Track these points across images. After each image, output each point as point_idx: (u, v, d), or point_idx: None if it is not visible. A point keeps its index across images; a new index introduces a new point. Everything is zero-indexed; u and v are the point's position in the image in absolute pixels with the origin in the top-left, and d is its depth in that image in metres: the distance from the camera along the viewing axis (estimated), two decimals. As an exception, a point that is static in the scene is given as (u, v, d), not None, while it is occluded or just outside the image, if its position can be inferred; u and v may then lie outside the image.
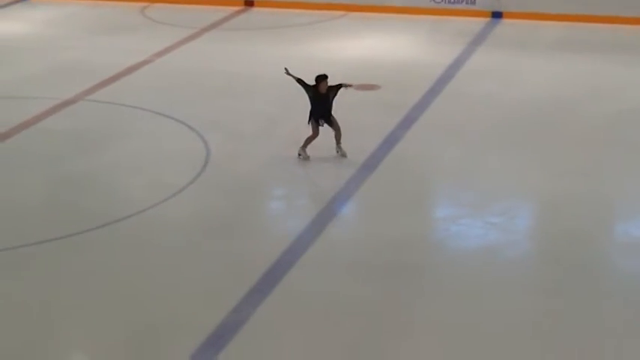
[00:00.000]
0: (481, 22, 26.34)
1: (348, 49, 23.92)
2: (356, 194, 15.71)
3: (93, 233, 14.42)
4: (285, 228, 14.66)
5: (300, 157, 17.04)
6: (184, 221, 14.94)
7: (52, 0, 29.41)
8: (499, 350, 11.58)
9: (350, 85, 17.40)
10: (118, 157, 17.36)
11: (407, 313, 12.40)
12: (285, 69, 17.18)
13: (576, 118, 19.16)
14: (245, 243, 14.17)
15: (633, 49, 24.12)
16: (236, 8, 28.13)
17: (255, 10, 28.14)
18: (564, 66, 22.65)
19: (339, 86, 17.15)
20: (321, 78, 16.82)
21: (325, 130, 17.16)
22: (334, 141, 17.05)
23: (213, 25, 26.40)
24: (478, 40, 24.77)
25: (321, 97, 16.82)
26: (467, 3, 26.98)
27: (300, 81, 16.94)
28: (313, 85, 16.84)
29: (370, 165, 16.76)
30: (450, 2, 27.07)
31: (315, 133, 17.00)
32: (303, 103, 18.32)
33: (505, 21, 26.47)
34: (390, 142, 17.81)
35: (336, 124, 17.08)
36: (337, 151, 17.13)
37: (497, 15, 26.74)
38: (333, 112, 17.01)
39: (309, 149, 17.04)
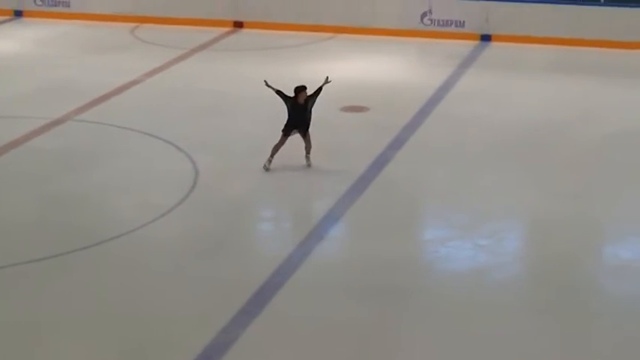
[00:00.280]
0: (470, 44, 26.37)
1: (336, 70, 23.82)
2: (345, 215, 15.64)
3: (81, 253, 14.31)
4: (274, 249, 14.56)
5: (265, 167, 17.28)
6: (173, 242, 14.83)
7: (43, 19, 29.36)
8: (489, 373, 11.51)
9: (328, 81, 17.63)
10: (106, 177, 17.25)
11: (395, 335, 12.31)
12: (265, 81, 17.43)
13: (566, 140, 19.15)
14: (234, 264, 14.07)
15: (622, 72, 24.17)
16: (225, 29, 28.11)
17: (244, 31, 28.11)
18: (553, 88, 22.67)
19: (319, 90, 17.43)
20: (300, 89, 17.17)
21: (317, 151, 17.13)
22: (322, 162, 16.99)
23: (203, 46, 26.37)
24: (467, 62, 24.79)
25: (299, 108, 17.16)
26: (456, 26, 27.02)
27: (279, 92, 17.24)
28: (292, 97, 17.15)
29: (359, 186, 16.70)
30: (439, 25, 27.10)
31: (281, 143, 17.28)
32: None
33: (494, 44, 26.51)
34: (379, 163, 17.76)
35: (309, 138, 17.34)
36: (306, 162, 17.48)
37: (486, 38, 26.78)
38: (310, 129, 17.29)
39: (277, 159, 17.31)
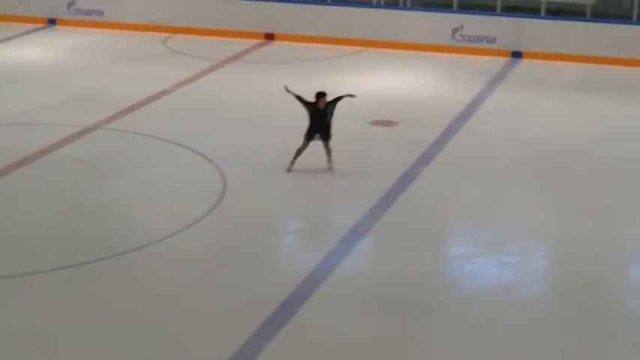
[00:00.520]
0: (501, 61, 26.33)
1: (366, 84, 23.92)
2: (371, 230, 15.65)
3: (107, 262, 14.39)
4: (300, 262, 14.59)
5: (289, 167, 17.75)
6: (199, 252, 14.90)
7: (77, 27, 29.56)
8: (511, 392, 11.50)
9: (352, 95, 17.98)
10: (134, 186, 17.36)
11: (418, 351, 12.31)
12: (285, 87, 17.94)
13: (595, 159, 19.07)
14: (259, 276, 14.11)
15: (652, 92, 24.08)
16: (256, 41, 28.21)
17: (275, 43, 28.22)
18: (583, 106, 22.59)
19: (339, 99, 17.74)
20: (320, 95, 17.61)
21: (345, 164, 17.16)
22: (349, 176, 17.04)
23: (234, 58, 26.48)
24: (497, 79, 24.74)
25: (319, 113, 17.60)
26: (487, 42, 26.99)
27: (299, 98, 17.74)
28: (313, 102, 17.61)
29: (386, 201, 16.71)
30: (470, 41, 27.09)
31: (304, 146, 17.73)
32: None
33: (525, 61, 26.44)
34: (406, 178, 17.76)
35: (329, 145, 17.72)
36: (328, 165, 17.87)
37: (517, 55, 26.74)
38: (334, 139, 17.64)
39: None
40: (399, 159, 18.67)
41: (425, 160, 18.73)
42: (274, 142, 19.46)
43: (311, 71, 25.14)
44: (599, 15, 26.79)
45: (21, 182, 17.48)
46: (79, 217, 16.06)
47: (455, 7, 27.54)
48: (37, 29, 29.54)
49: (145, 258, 14.60)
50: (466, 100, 22.67)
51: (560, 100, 23.14)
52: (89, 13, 29.83)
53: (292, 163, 17.81)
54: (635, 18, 26.34)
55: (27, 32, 29.09)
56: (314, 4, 28.45)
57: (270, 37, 28.51)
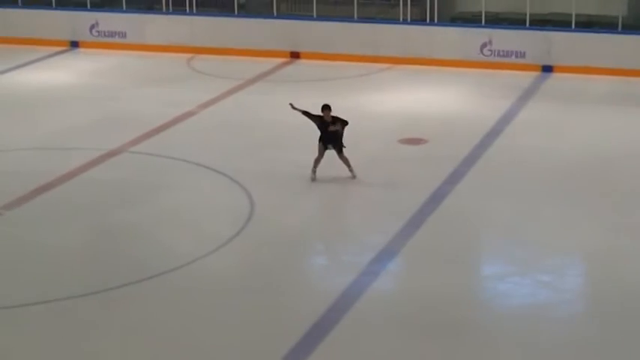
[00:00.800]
0: (531, 75, 26.30)
1: (394, 102, 23.96)
2: (402, 250, 15.65)
3: (136, 287, 14.47)
4: (330, 284, 14.60)
5: (312, 177, 18.30)
6: (228, 275, 14.96)
7: (99, 49, 29.79)
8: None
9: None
10: (160, 209, 17.45)
11: (453, 373, 12.31)
12: (290, 104, 18.67)
13: (628, 173, 19.01)
14: (290, 298, 14.15)
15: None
16: (282, 60, 28.31)
17: (301, 62, 28.31)
18: (615, 120, 22.52)
19: (345, 122, 18.39)
20: (324, 107, 18.30)
21: (374, 183, 17.16)
22: (379, 196, 17.03)
23: (259, 77, 26.59)
24: (528, 93, 24.71)
25: (327, 125, 18.28)
26: (516, 56, 26.98)
27: (306, 113, 18.46)
28: (319, 116, 18.33)
29: (417, 220, 16.71)
30: (499, 55, 27.08)
31: (321, 155, 18.38)
32: (350, 157, 18.46)
33: (556, 75, 26.40)
34: (437, 197, 17.76)
35: (344, 156, 18.36)
36: (350, 173, 18.44)
37: (547, 69, 26.70)
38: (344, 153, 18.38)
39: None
40: (429, 177, 18.67)
41: (456, 177, 18.72)
42: (301, 162, 19.46)
43: (338, 90, 25.19)
44: (631, 27, 26.72)
45: (47, 206, 17.62)
46: (106, 241, 16.17)
47: (483, 22, 27.53)
48: (60, 52, 29.79)
49: (174, 281, 14.67)
50: (496, 115, 22.64)
51: (593, 114, 23.08)
52: (112, 34, 30.06)
53: (314, 172, 18.38)
54: (667, 30, 26.28)
55: (50, 55, 29.34)
56: (340, 21, 28.53)
57: (295, 55, 28.61)
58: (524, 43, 26.93)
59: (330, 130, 18.34)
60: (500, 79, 26.12)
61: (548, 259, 15.34)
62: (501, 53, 27.09)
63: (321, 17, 28.72)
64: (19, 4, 30.97)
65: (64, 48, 30.14)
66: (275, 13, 29.08)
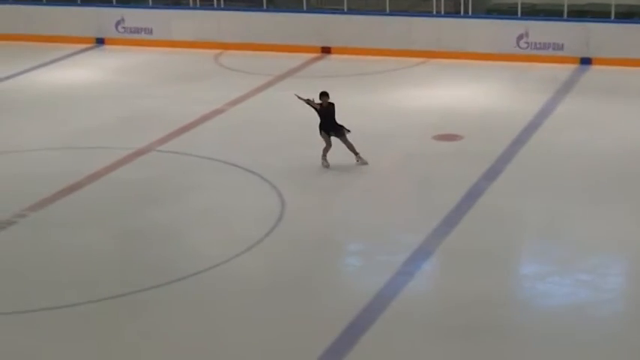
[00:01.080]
0: (569, 68, 26.19)
1: (428, 97, 23.93)
2: (438, 249, 15.64)
3: (164, 289, 14.53)
4: (363, 285, 14.61)
5: (323, 165, 19.14)
6: (259, 276, 15.00)
7: (125, 46, 29.95)
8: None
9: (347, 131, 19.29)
10: (190, 209, 17.52)
11: (491, 375, 12.29)
12: (295, 94, 19.41)
13: (671, 170, 18.93)
14: (322, 300, 14.17)
15: None
16: (312, 55, 28.33)
17: (332, 57, 28.32)
18: (658, 114, 22.44)
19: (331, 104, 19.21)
20: (323, 95, 19.15)
21: (408, 181, 17.15)
22: (413, 193, 17.02)
23: (289, 73, 26.61)
24: (566, 87, 24.61)
25: (325, 111, 19.03)
26: (554, 49, 26.85)
27: (308, 102, 19.25)
28: (319, 103, 19.12)
29: (453, 219, 16.69)
30: (536, 48, 26.96)
31: (328, 143, 19.13)
32: (383, 154, 18.46)
33: (595, 67, 26.27)
34: (473, 194, 17.73)
35: (347, 140, 19.08)
36: (357, 161, 19.09)
37: (586, 61, 26.55)
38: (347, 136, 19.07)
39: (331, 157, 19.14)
40: (464, 174, 18.64)
41: (492, 174, 18.68)
42: (333, 160, 19.50)
43: (370, 85, 25.20)
44: (673, 17, 26.56)
45: (73, 207, 17.74)
46: (134, 243, 16.26)
47: (519, 14, 27.41)
48: (86, 49, 29.96)
49: (204, 284, 14.73)
50: (533, 110, 22.57)
51: (633, 107, 22.94)
52: (138, 31, 30.19)
53: (324, 159, 19.15)
54: None
55: (75, 53, 29.54)
56: (372, 15, 28.48)
57: (326, 50, 28.62)
58: (561, 34, 26.79)
59: (326, 115, 19.05)
60: (537, 72, 26.03)
61: (589, 258, 15.28)
62: (538, 46, 26.98)
63: (353, 11, 28.71)
64: (43, 0, 31.16)
65: (89, 45, 30.33)
66: (305, 7, 29.08)
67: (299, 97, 19.36)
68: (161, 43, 29.80)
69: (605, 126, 21.59)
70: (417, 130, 21.20)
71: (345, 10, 28.73)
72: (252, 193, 18.23)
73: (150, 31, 30.10)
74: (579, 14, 27.19)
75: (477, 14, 27.96)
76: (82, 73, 27.41)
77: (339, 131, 19.17)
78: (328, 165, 19.10)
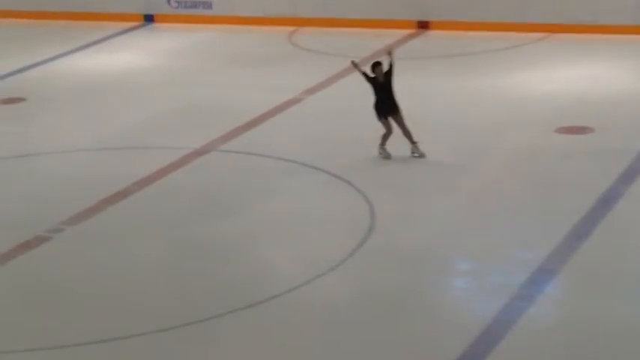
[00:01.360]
0: None
1: (549, 81, 23.79)
2: (564, 268, 15.56)
3: (229, 319, 14.64)
4: (473, 311, 14.61)
5: (381, 155, 19.68)
6: (344, 303, 15.03)
7: (179, 24, 30.26)
8: None
9: (390, 54, 19.86)
10: (259, 220, 17.64)
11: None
12: (352, 61, 20.30)
13: None
14: (423, 330, 14.18)
15: None
16: (407, 32, 28.32)
17: (430, 33, 28.32)
18: None
19: (392, 65, 19.55)
20: (375, 65, 19.62)
21: (526, 183, 17.12)
22: (532, 199, 16.95)
23: (379, 54, 26.53)
24: None
25: (382, 86, 19.59)
26: None
27: (365, 74, 19.75)
28: (373, 77, 19.67)
29: (582, 230, 16.60)
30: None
31: (389, 129, 19.66)
32: (494, 151, 18.40)
33: None
34: (606, 200, 17.62)
35: (403, 121, 19.58)
36: (413, 153, 19.62)
37: None
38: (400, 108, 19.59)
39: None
40: (596, 175, 18.55)
41: (630, 176, 18.54)
42: (433, 162, 19.50)
43: (477, 67, 25.14)
44: None
45: (120, 219, 17.98)
46: (192, 260, 16.39)
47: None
48: (132, 29, 30.31)
49: (279, 309, 14.82)
50: (682, 97, 22.41)
51: None
52: (195, 5, 30.43)
53: (382, 149, 19.70)
54: None
55: (119, 33, 29.90)
56: (479, -19, 28.45)
57: (424, 25, 28.60)
58: None
59: (383, 90, 19.55)
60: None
61: None
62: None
63: (456, -24, 28.67)
64: (79, -30, 31.56)
65: (135, 23, 30.69)
66: (396, -27, 29.12)
67: (355, 66, 20.10)
68: (222, 20, 29.98)
69: None
70: (536, 121, 21.10)
71: (447, -25, 28.71)
72: (335, 199, 18.31)
73: (209, 6, 30.30)
74: None
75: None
76: (126, 57, 27.75)
77: (396, 111, 19.67)
78: (389, 155, 19.60)
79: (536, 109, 21.95)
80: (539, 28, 27.56)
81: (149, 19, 30.84)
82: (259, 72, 25.73)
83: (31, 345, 14.17)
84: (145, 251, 16.76)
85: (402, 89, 23.16)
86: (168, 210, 18.22)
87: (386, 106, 19.64)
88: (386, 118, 19.66)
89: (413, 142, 19.61)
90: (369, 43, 27.28)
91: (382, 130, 19.54)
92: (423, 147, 19.78)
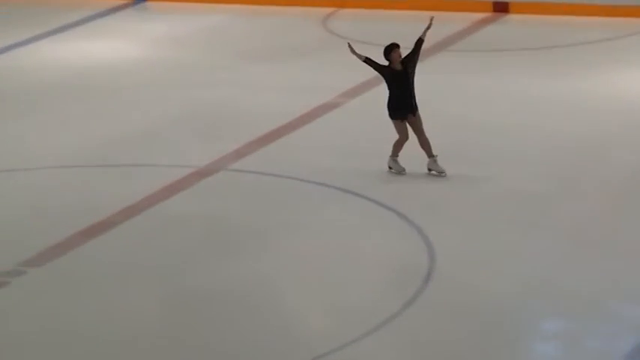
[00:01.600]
0: None
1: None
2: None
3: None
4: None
5: (392, 170, 20.01)
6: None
7: (179, 3, 30.48)
8: None
9: (428, 27, 20.09)
10: (279, 262, 17.54)
11: None
12: (349, 44, 20.37)
13: None
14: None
15: None
16: (479, 16, 28.38)
17: (509, 18, 28.34)
18: None
19: (418, 44, 19.87)
20: (391, 48, 19.83)
21: (624, 219, 17.08)
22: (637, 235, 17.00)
23: (439, 46, 26.58)
24: None
25: (399, 77, 19.82)
26: None
27: (368, 61, 20.07)
28: (387, 65, 19.91)
29: None
30: None
31: (404, 134, 19.96)
32: (588, 175, 18.31)
33: None
34: None
35: (420, 123, 19.82)
36: (430, 170, 19.87)
37: None
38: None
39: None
40: None
41: None
42: (507, 187, 19.46)
43: (570, 64, 25.07)
44: None
45: (98, 259, 17.86)
46: (189, 319, 16.32)
47: None
48: (117, 9, 30.46)
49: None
50: None
51: None
52: (200, -21, 30.59)
53: (393, 160, 20.00)
54: None
55: (100, 14, 30.11)
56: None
57: (501, 8, 28.66)
58: None
59: (399, 82, 19.80)
60: None
61: None
62: None
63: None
64: None
65: (122, 2, 30.87)
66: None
67: (353, 51, 20.25)
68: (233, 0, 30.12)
69: None
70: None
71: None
72: (379, 234, 18.26)
73: (219, -21, 30.45)
74: None
75: None
76: (109, 46, 27.89)
77: (414, 110, 19.91)
78: (402, 169, 19.94)
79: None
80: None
81: (142, -5, 31.06)
82: (284, 67, 25.84)
83: None
84: (130, 302, 16.69)
85: (467, 90, 23.20)
86: (162, 247, 18.13)
87: (404, 103, 19.81)
88: (402, 120, 19.89)
89: (431, 156, 19.74)
90: (428, 32, 27.27)
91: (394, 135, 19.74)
92: (488, 167, 20.06)
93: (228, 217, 19.07)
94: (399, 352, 15.32)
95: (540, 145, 20.15)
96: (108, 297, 16.87)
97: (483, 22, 28.12)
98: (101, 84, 25.24)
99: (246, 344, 15.53)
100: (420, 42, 19.83)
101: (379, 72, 20.00)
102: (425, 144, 19.74)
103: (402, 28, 27.48)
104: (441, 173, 19.70)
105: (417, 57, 19.77)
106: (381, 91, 23.78)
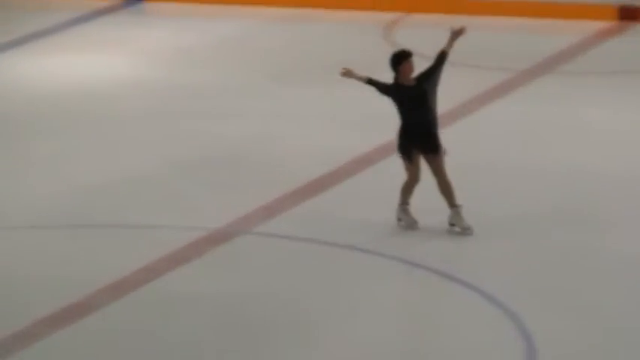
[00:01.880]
0: None
1: None
2: None
3: None
4: None
5: (400, 222, 20.69)
6: None
7: (183, 6, 30.80)
8: None
9: (460, 32, 20.68)
10: (331, 357, 17.60)
11: None
12: (343, 70, 21.02)
13: None
14: None
15: None
16: (599, 25, 28.48)
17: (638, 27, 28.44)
18: None
19: (441, 58, 20.34)
20: (400, 57, 20.44)
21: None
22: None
23: (546, 64, 26.68)
24: None
25: (412, 97, 20.30)
26: None
27: (371, 82, 20.64)
28: (394, 83, 20.43)
29: None
30: None
31: (414, 175, 20.57)
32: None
33: None
34: None
35: (442, 162, 20.27)
36: (451, 224, 20.47)
37: None
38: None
39: None
40: None
41: None
42: (626, 254, 19.55)
43: None
44: None
45: (71, 353, 17.87)
46: None
47: None
48: (105, 11, 30.67)
49: None
50: None
51: None
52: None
53: (403, 210, 20.62)
54: None
55: (83, 18, 30.27)
56: None
57: (629, 14, 28.71)
58: None
59: (411, 105, 20.21)
60: None
61: None
62: None
63: None
64: None
65: (113, 3, 31.05)
66: None
67: (351, 76, 20.80)
68: (265, 1, 30.30)
69: None
70: None
71: None
72: (459, 318, 18.29)
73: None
74: None
75: None
76: (93, 61, 28.07)
77: (434, 147, 20.19)
78: (414, 223, 20.63)
79: None
80: None
81: (135, -5, 31.36)
82: (329, 93, 25.93)
83: None
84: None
85: (580, 130, 23.27)
86: (159, 339, 18.13)
87: (418, 133, 19.97)
88: (410, 157, 20.20)
89: (454, 206, 19.94)
90: (529, 45, 27.44)
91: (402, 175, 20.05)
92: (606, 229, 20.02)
93: (253, 297, 19.09)
94: None
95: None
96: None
97: (605, 34, 28.25)
98: (80, 114, 25.40)
99: None
100: (442, 55, 20.07)
101: (385, 94, 20.45)
102: (446, 190, 19.96)
103: (502, 43, 27.74)
104: (465, 230, 19.98)
105: (439, 75, 19.95)
106: (463, 126, 24.03)
